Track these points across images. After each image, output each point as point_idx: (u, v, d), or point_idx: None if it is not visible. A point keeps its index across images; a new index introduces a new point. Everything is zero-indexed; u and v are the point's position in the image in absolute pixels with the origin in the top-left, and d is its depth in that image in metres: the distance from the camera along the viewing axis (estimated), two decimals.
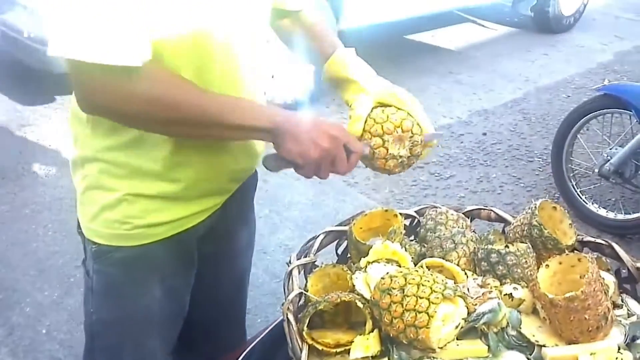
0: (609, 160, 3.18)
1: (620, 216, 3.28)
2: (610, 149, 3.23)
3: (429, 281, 1.10)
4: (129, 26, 0.98)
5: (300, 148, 1.11)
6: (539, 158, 4.07)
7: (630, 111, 3.09)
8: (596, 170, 3.27)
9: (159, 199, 1.20)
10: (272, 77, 3.89)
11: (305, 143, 1.11)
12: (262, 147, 1.34)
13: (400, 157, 1.20)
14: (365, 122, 1.20)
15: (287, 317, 1.16)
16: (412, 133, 1.20)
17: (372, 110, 1.22)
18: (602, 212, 3.33)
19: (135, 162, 1.16)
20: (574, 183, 3.43)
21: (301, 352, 1.10)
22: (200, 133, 1.12)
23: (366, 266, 1.23)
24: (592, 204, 3.37)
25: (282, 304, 1.20)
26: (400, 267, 1.22)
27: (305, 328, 1.13)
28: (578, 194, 3.40)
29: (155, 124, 1.08)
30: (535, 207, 1.33)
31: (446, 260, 1.28)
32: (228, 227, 1.43)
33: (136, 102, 1.03)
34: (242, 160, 1.31)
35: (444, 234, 1.35)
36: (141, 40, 1.00)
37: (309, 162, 1.13)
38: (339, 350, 1.14)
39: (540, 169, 3.94)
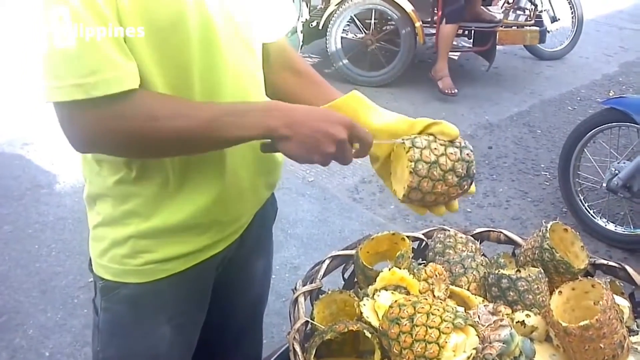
0: (616, 174, 3.15)
1: (630, 230, 3.25)
2: (618, 163, 3.20)
3: (438, 310, 1.07)
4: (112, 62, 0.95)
5: (304, 154, 1.04)
6: (546, 172, 4.03)
7: (637, 125, 3.06)
8: (604, 185, 3.24)
9: (172, 229, 1.17)
10: None
11: (310, 149, 1.03)
12: (281, 159, 1.30)
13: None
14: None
15: (293, 347, 1.13)
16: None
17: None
18: (611, 226, 3.30)
19: (145, 191, 1.14)
20: (581, 197, 3.40)
21: None
22: (191, 150, 1.09)
23: (374, 293, 1.20)
24: (601, 218, 3.34)
25: (289, 333, 1.17)
26: (408, 294, 1.19)
27: (312, 359, 1.10)
28: (586, 209, 3.37)
29: (145, 149, 1.05)
30: (546, 229, 1.30)
31: (456, 286, 1.25)
32: (245, 257, 1.39)
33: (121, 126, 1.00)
34: (254, 173, 1.24)
35: (453, 258, 1.32)
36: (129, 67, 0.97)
37: (310, 162, 1.06)
38: None
39: (547, 183, 3.91)
